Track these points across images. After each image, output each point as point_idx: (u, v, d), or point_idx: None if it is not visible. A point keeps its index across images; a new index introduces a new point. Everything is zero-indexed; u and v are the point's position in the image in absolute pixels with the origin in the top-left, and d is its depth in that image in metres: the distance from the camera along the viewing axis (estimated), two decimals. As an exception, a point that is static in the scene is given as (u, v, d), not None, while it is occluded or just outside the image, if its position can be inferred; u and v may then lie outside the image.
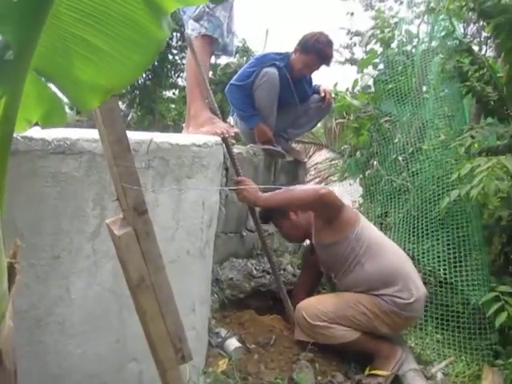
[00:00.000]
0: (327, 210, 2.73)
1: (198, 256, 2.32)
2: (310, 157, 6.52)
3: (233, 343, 2.67)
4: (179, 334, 1.58)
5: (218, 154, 2.41)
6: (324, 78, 4.49)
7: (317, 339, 2.76)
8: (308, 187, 2.81)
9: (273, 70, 3.63)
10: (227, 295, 3.08)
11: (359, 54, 14.82)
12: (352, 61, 14.75)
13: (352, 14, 10.63)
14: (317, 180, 6.22)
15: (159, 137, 2.07)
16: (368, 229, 2.89)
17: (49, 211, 1.71)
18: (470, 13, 4.46)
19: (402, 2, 13.95)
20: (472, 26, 9.15)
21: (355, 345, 2.74)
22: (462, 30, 5.28)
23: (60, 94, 1.12)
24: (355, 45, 14.97)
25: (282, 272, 3.38)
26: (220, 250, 3.04)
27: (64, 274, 1.78)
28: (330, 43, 3.75)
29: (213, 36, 3.11)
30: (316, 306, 2.78)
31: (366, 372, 2.74)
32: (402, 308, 2.72)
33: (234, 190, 2.78)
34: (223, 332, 2.74)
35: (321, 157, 6.60)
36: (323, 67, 3.86)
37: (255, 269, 3.36)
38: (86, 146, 1.74)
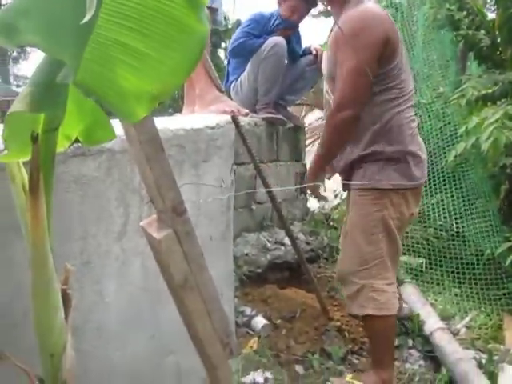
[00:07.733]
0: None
1: (221, 240, 2.27)
2: (303, 118, 6.41)
3: (260, 321, 2.64)
4: (226, 328, 1.54)
5: (230, 134, 2.32)
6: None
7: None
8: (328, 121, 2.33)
9: (282, 42, 3.48)
10: (245, 271, 3.04)
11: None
12: (326, 13, 14.42)
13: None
14: (313, 139, 6.13)
15: (172, 123, 1.98)
16: None
17: (74, 216, 1.63)
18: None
19: None
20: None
21: None
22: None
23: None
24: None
25: (294, 242, 3.34)
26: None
27: (96, 279, 1.71)
28: None
29: (212, 6, 2.95)
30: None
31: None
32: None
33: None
34: (248, 310, 2.71)
35: (314, 116, 6.52)
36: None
37: (268, 241, 3.33)
38: (105, 144, 1.65)
